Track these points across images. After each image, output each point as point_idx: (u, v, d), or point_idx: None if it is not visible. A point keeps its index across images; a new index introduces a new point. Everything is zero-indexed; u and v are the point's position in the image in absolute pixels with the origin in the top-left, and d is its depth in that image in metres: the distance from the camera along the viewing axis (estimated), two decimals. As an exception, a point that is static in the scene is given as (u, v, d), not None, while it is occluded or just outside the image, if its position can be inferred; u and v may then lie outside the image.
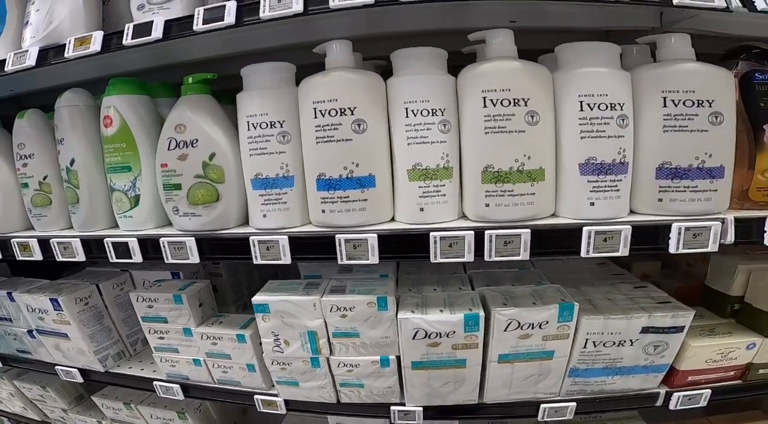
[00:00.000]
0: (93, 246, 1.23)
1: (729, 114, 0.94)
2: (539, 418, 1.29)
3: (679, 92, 0.95)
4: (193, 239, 1.14)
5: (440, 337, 1.13)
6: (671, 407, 1.25)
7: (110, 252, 1.21)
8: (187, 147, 1.09)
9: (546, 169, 1.01)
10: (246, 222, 1.18)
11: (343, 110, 1.00)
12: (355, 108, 1.00)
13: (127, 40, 1.06)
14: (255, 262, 1.10)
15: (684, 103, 0.95)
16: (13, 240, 1.30)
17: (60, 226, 1.34)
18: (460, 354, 1.16)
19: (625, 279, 1.36)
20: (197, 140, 1.08)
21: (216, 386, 1.43)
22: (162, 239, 1.15)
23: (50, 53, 1.17)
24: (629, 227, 0.97)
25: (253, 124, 1.06)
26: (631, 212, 1.05)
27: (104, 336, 1.52)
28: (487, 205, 1.02)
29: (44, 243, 1.27)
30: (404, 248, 1.05)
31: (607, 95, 0.95)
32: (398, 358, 1.22)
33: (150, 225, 1.23)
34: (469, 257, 1.02)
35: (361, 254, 1.05)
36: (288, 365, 1.27)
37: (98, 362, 1.50)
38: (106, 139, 1.18)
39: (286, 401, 1.37)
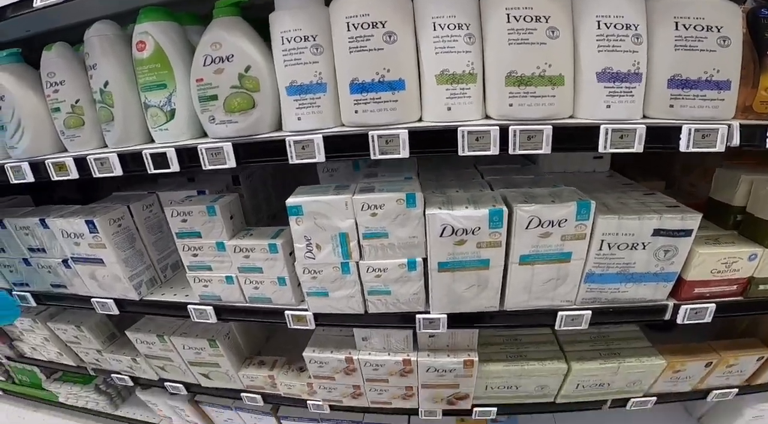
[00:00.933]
0: (130, 160, 1.26)
1: (735, 39, 1.00)
2: (556, 326, 1.32)
3: (690, 18, 1.00)
4: (230, 143, 1.16)
5: (466, 234, 1.17)
6: (678, 320, 1.29)
7: (148, 163, 1.23)
8: (222, 62, 1.12)
9: (565, 76, 1.05)
10: (277, 129, 1.21)
11: (374, 24, 1.04)
12: (385, 22, 1.04)
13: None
14: (291, 161, 1.14)
15: (694, 28, 1.00)
16: (47, 161, 1.31)
17: (93, 145, 1.36)
18: (484, 253, 1.20)
19: (635, 188, 1.39)
20: (233, 55, 1.12)
21: (247, 305, 1.47)
22: (200, 146, 1.18)
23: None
24: (644, 125, 1.03)
25: (287, 38, 1.09)
26: (644, 117, 1.09)
27: (137, 261, 1.54)
28: (511, 105, 1.06)
29: (80, 161, 1.29)
30: (433, 143, 1.09)
31: (623, 17, 1.01)
32: (425, 260, 1.25)
33: (184, 137, 1.25)
34: (494, 150, 1.06)
35: (393, 149, 1.09)
36: (319, 273, 1.30)
37: (133, 290, 1.52)
38: (139, 62, 1.21)
39: (316, 315, 1.41)
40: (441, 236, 1.17)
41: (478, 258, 1.20)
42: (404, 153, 1.08)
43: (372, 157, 1.09)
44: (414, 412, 1.73)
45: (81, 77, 1.29)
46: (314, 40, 1.09)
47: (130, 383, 1.97)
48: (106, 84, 1.23)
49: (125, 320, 1.81)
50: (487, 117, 1.12)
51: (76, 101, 1.30)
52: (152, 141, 1.29)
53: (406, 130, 1.06)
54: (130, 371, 1.91)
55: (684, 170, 1.70)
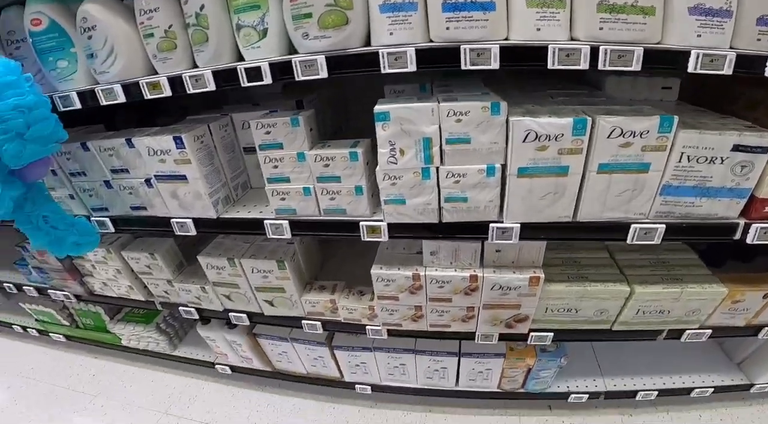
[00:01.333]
0: (223, 76, 1.32)
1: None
2: (628, 240, 1.36)
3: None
4: (323, 56, 1.22)
5: (549, 140, 1.21)
6: (748, 240, 1.31)
7: (242, 77, 1.29)
8: None
9: (656, 7, 1.10)
10: (364, 44, 1.25)
11: None
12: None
13: None
14: (383, 71, 1.19)
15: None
16: (141, 81, 1.38)
17: (183, 66, 1.41)
18: (565, 160, 1.24)
19: (708, 114, 1.40)
20: None
21: (322, 218, 1.53)
22: (294, 59, 1.23)
23: None
24: (734, 53, 1.07)
25: None
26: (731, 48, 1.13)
27: (215, 178, 1.60)
28: (601, 28, 1.11)
29: (174, 79, 1.36)
30: (523, 58, 1.14)
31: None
32: (503, 167, 1.30)
33: (274, 54, 1.31)
34: (584, 65, 1.11)
35: (484, 61, 1.14)
36: (399, 179, 1.36)
37: (212, 207, 1.58)
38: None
39: (390, 226, 1.46)
40: (524, 141, 1.22)
41: (558, 164, 1.25)
42: (495, 64, 1.13)
43: (462, 67, 1.14)
44: (470, 336, 1.78)
45: (173, 4, 1.35)
46: None
47: (196, 316, 2.04)
48: (202, 7, 1.29)
49: (191, 250, 1.89)
50: (573, 40, 1.15)
51: (169, 26, 1.35)
52: (241, 60, 1.35)
53: (498, 45, 1.11)
54: (197, 302, 1.98)
55: (749, 107, 1.72)
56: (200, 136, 1.51)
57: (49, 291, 2.29)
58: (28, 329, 2.76)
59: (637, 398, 1.98)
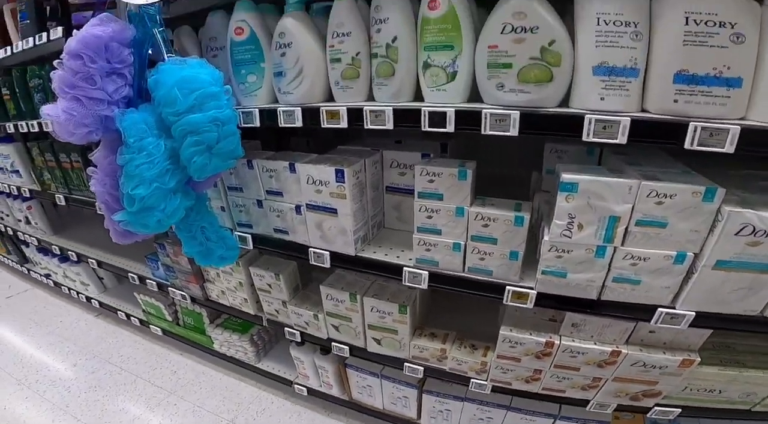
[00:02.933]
0: (403, 115, 1.22)
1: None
2: None
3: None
4: (517, 112, 1.09)
5: (766, 236, 1.03)
6: None
7: (424, 121, 1.18)
8: (525, 32, 1.05)
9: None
10: (560, 105, 1.12)
11: (722, 23, 0.93)
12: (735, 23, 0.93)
13: None
14: (585, 138, 1.04)
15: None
16: (322, 108, 1.31)
17: (361, 98, 1.34)
18: (779, 258, 1.05)
19: None
20: (537, 27, 1.05)
21: (464, 275, 1.39)
22: (485, 110, 1.11)
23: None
24: None
25: (605, 21, 1.01)
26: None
27: (361, 215, 1.51)
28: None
29: (354, 111, 1.27)
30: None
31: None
32: (695, 256, 1.12)
33: (458, 99, 1.20)
34: None
35: (716, 142, 0.96)
36: (566, 253, 1.21)
37: (353, 244, 1.49)
38: (428, 21, 1.16)
39: (539, 295, 1.31)
40: (736, 234, 1.04)
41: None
42: (729, 148, 0.94)
43: (686, 146, 0.98)
44: (582, 403, 1.59)
45: (364, 30, 1.27)
46: (635, 26, 1.00)
47: (298, 339, 1.96)
48: (394, 39, 1.20)
49: (305, 274, 1.86)
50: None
51: (357, 54, 1.28)
52: (419, 99, 1.26)
53: (738, 126, 0.94)
54: (304, 326, 1.89)
55: None
56: (357, 172, 1.43)
57: (168, 288, 2.29)
58: (131, 317, 2.78)
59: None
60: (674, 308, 1.20)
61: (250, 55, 1.42)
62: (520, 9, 1.05)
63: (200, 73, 1.22)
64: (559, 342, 1.42)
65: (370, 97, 1.34)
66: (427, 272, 1.42)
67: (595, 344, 1.41)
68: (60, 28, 1.71)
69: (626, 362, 1.39)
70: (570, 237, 1.19)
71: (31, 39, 1.92)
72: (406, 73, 1.23)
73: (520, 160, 1.43)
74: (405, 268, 1.44)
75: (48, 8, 1.63)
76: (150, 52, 1.29)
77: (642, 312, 1.24)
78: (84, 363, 2.65)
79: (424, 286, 1.44)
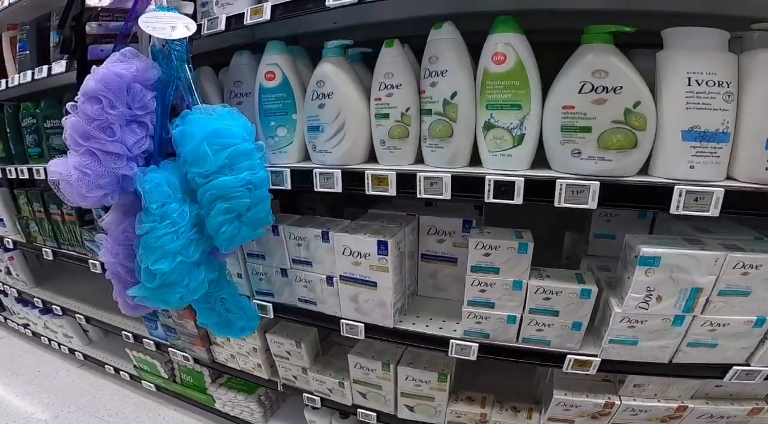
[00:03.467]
0: (462, 183, 1.07)
1: None
2: None
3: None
4: (597, 183, 0.96)
5: None
6: None
7: (488, 191, 1.04)
8: (607, 92, 0.94)
9: None
10: (638, 173, 1.01)
11: None
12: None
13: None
14: (672, 211, 0.92)
15: None
16: (367, 171, 1.13)
17: (408, 161, 1.19)
18: None
19: None
20: (621, 87, 0.93)
21: (517, 345, 1.25)
22: (560, 180, 0.98)
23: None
24: None
25: (696, 81, 0.90)
26: None
27: (400, 286, 1.35)
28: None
29: (405, 177, 1.11)
30: None
31: None
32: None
33: (523, 166, 1.07)
34: None
35: None
36: (640, 323, 1.09)
37: (392, 317, 1.33)
38: (493, 76, 1.03)
39: (604, 361, 1.18)
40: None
41: None
42: None
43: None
44: None
45: (415, 83, 1.13)
46: (728, 86, 0.90)
47: (318, 405, 1.76)
48: (453, 95, 1.07)
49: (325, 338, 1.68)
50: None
51: (407, 109, 1.13)
52: (474, 165, 1.14)
53: None
54: (326, 393, 1.70)
55: None
56: (399, 242, 1.27)
57: (168, 349, 2.05)
58: (120, 372, 2.52)
59: None
60: (749, 365, 1.10)
61: (281, 104, 1.25)
62: (601, 66, 0.94)
63: (232, 126, 1.05)
64: (619, 402, 1.29)
65: (419, 160, 1.20)
66: (476, 344, 1.26)
67: (659, 401, 1.28)
68: (63, 62, 1.50)
69: (692, 415, 1.28)
70: (646, 309, 1.06)
71: (29, 72, 1.72)
72: (465, 134, 1.09)
73: (550, 222, 1.31)
74: (452, 340, 1.28)
75: (60, 38, 1.38)
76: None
77: (715, 370, 1.13)
78: (67, 416, 2.35)
79: (473, 357, 1.28)
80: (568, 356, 1.19)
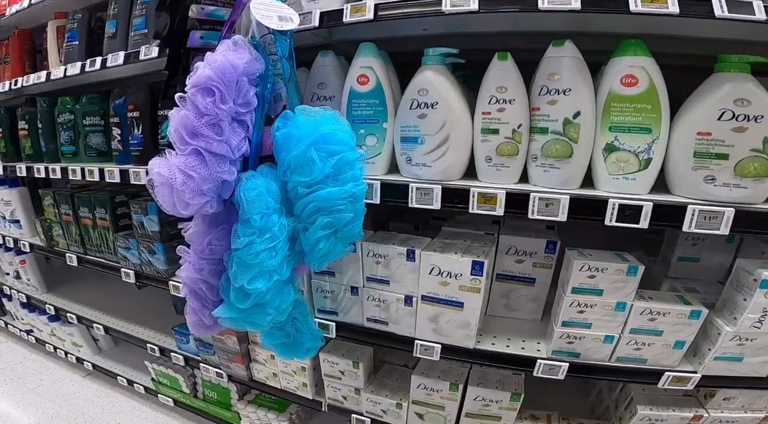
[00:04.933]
0: (578, 205, 0.98)
1: None
2: None
3: None
4: (732, 210, 0.90)
5: None
6: None
7: (611, 214, 0.95)
8: (748, 121, 0.88)
9: None
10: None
11: None
12: None
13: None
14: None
15: None
16: (473, 189, 1.03)
17: (512, 180, 1.09)
18: None
19: None
20: (762, 116, 0.88)
21: (612, 364, 1.16)
22: (692, 206, 0.91)
23: None
24: None
25: None
26: None
27: (483, 307, 1.24)
28: None
29: (517, 197, 1.01)
30: None
31: None
32: None
33: (646, 190, 0.99)
34: None
35: None
36: (749, 341, 1.04)
37: (473, 338, 1.22)
38: (621, 98, 0.95)
39: (704, 377, 1.11)
40: None
41: None
42: None
43: None
44: None
45: (527, 99, 1.04)
46: None
47: (367, 427, 1.61)
48: (576, 115, 0.98)
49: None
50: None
51: (518, 126, 1.03)
52: (585, 186, 1.05)
53: None
54: (379, 414, 1.56)
55: None
56: (491, 262, 1.16)
57: (200, 365, 1.86)
58: (134, 385, 2.31)
59: None
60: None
61: (372, 110, 1.13)
62: (743, 95, 0.88)
63: (338, 132, 0.93)
64: (707, 415, 1.23)
65: (522, 179, 1.10)
66: (566, 364, 1.17)
67: (746, 412, 1.24)
68: (153, 47, 1.34)
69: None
70: (760, 328, 1.01)
71: (78, 64, 1.55)
72: (584, 155, 1.00)
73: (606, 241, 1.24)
74: (539, 360, 1.18)
75: (158, 20, 1.19)
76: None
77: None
78: None
79: (561, 377, 1.18)
80: (666, 373, 1.12)
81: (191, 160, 0.82)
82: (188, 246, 1.00)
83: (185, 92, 0.83)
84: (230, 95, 0.85)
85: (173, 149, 0.85)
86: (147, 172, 0.83)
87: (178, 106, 0.84)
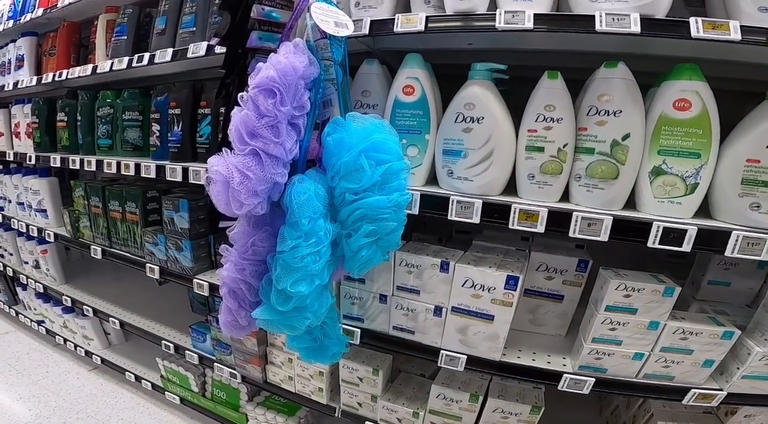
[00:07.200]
0: (623, 226, 0.95)
1: None
2: None
3: None
4: (776, 234, 0.87)
5: None
6: None
7: (654, 237, 0.92)
8: None
9: None
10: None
11: None
12: None
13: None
14: None
15: None
16: (515, 205, 1.00)
17: (554, 198, 1.06)
18: None
19: None
20: None
21: (638, 381, 1.13)
22: (735, 231, 0.89)
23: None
24: None
25: None
26: None
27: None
28: None
29: (558, 215, 0.98)
30: None
31: None
32: None
33: (690, 215, 0.97)
34: None
35: None
36: None
37: (500, 350, 1.18)
38: (673, 122, 0.93)
39: (729, 394, 1.09)
40: None
41: None
42: None
43: None
44: None
45: (574, 119, 1.01)
46: None
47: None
48: (626, 136, 0.95)
49: None
50: None
51: (564, 145, 1.01)
52: (628, 208, 1.03)
53: None
54: (393, 423, 1.50)
55: None
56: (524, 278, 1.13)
57: (214, 364, 1.81)
58: (142, 381, 2.24)
59: None
60: None
61: (416, 121, 1.11)
62: None
63: (388, 141, 0.90)
64: None
65: (563, 198, 1.07)
66: (592, 379, 1.13)
67: None
68: (202, 45, 1.31)
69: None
70: None
71: (125, 59, 1.52)
72: (630, 177, 0.98)
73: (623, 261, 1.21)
74: (565, 374, 1.14)
75: (219, 19, 1.20)
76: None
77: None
78: (75, 423, 2.06)
79: (585, 391, 1.14)
80: (692, 390, 1.09)
81: (249, 160, 0.80)
82: (231, 246, 0.96)
83: (246, 92, 0.81)
84: (288, 98, 0.82)
85: (230, 148, 0.83)
86: (206, 170, 0.81)
87: (231, 105, 0.81)
